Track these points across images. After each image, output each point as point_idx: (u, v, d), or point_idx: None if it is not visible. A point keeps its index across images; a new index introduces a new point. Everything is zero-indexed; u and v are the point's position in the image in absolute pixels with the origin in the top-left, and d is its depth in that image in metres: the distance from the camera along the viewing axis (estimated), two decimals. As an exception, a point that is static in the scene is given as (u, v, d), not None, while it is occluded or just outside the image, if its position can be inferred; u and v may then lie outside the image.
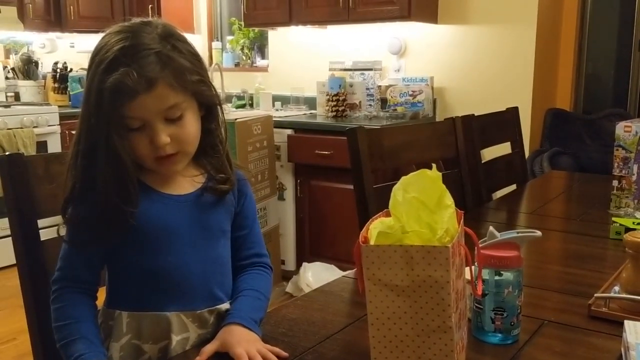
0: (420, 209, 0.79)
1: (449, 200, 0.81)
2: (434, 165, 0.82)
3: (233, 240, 1.12)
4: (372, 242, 0.79)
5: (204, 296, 1.05)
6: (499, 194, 2.37)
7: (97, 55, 0.94)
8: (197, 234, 1.04)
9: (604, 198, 1.93)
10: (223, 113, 1.08)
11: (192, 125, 1.00)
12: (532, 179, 2.75)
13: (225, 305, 1.07)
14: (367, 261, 0.77)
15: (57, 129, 3.83)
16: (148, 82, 0.92)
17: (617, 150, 1.80)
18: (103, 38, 0.96)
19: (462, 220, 0.85)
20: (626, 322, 0.96)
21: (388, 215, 0.90)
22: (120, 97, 0.91)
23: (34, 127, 3.69)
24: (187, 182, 1.06)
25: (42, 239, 1.12)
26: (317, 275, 3.07)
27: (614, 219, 1.60)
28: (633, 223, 1.56)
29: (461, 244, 0.83)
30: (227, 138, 1.11)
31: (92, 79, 0.93)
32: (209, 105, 1.04)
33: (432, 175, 0.80)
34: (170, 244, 1.02)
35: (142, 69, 0.91)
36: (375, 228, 0.83)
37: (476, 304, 1.01)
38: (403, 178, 0.80)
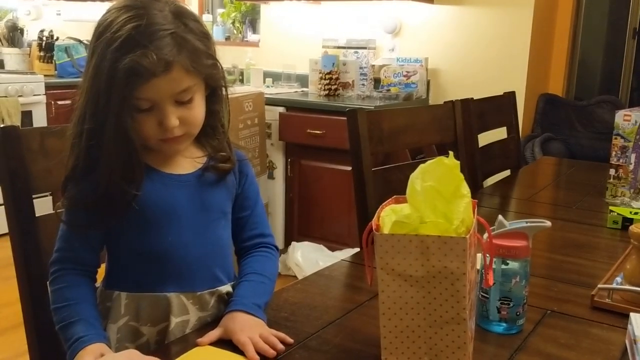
0: (436, 198, 0.77)
1: (465, 189, 0.79)
2: (450, 153, 0.80)
3: (235, 222, 1.10)
4: (385, 231, 0.77)
5: (204, 277, 1.03)
6: (490, 181, 2.36)
7: (106, 32, 0.90)
8: (197, 214, 1.02)
9: (598, 186, 1.94)
10: (227, 95, 1.06)
11: (200, 108, 0.98)
12: (524, 165, 2.75)
13: (226, 287, 1.05)
14: (381, 250, 0.75)
15: (43, 98, 3.74)
16: (166, 65, 0.89)
17: (616, 139, 1.79)
18: (109, 13, 0.92)
19: (476, 209, 0.84)
20: (632, 314, 0.95)
21: (397, 202, 0.88)
22: (135, 79, 0.88)
23: (19, 96, 3.59)
24: (187, 162, 1.03)
25: (37, 214, 1.09)
26: (306, 255, 3.06)
27: (611, 208, 1.60)
28: (630, 212, 1.56)
29: (476, 234, 0.81)
30: (229, 120, 1.08)
31: (102, 58, 0.89)
32: (214, 86, 1.02)
33: (450, 164, 0.78)
34: (170, 224, 0.99)
35: (159, 50, 0.88)
36: (388, 216, 0.81)
37: (482, 293, 1.00)
38: (421, 166, 0.78)
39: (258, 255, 1.09)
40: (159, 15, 0.91)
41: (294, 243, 3.23)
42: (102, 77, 0.89)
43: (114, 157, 0.92)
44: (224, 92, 1.04)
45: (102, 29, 0.91)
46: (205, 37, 0.97)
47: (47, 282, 0.99)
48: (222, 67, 1.02)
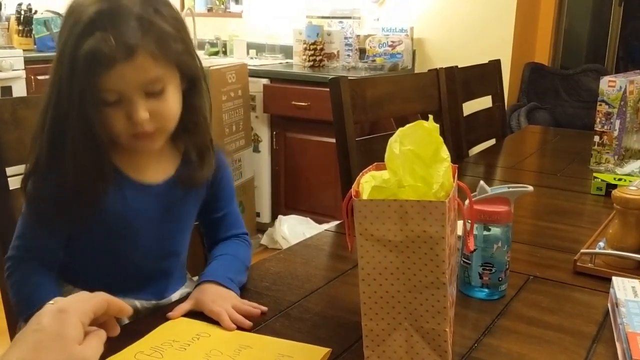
0: (415, 162, 0.75)
1: (444, 153, 0.77)
2: (430, 117, 0.78)
3: (209, 223, 1.08)
4: (365, 197, 0.76)
5: (157, 289, 1.02)
6: (475, 150, 2.35)
7: (72, 16, 0.85)
8: (163, 224, 0.99)
9: (583, 153, 1.93)
10: (208, 87, 1.00)
11: (173, 101, 0.92)
12: (509, 134, 2.74)
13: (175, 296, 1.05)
14: (360, 216, 0.74)
15: (22, 73, 3.66)
16: (127, 49, 0.83)
17: (600, 105, 1.78)
18: None
19: (456, 174, 0.82)
20: (614, 278, 0.95)
21: (378, 168, 0.87)
22: (96, 66, 0.82)
23: (-2, 71, 3.52)
24: (160, 167, 0.99)
25: (11, 188, 1.06)
26: (292, 228, 3.05)
27: (595, 174, 1.60)
28: (614, 179, 1.56)
29: (456, 198, 0.80)
30: (211, 116, 1.02)
31: (65, 43, 0.84)
32: (192, 78, 0.96)
33: (429, 127, 0.76)
34: (134, 235, 0.97)
35: (121, 34, 0.82)
36: (367, 182, 0.80)
37: (464, 259, 1.00)
38: (400, 130, 0.76)
39: (230, 242, 1.08)
40: None
41: (280, 216, 3.21)
42: (65, 64, 0.84)
43: (79, 154, 0.87)
44: (203, 85, 0.98)
45: (69, 13, 0.86)
46: (177, 22, 0.91)
47: (5, 276, 0.94)
48: (198, 57, 0.96)
